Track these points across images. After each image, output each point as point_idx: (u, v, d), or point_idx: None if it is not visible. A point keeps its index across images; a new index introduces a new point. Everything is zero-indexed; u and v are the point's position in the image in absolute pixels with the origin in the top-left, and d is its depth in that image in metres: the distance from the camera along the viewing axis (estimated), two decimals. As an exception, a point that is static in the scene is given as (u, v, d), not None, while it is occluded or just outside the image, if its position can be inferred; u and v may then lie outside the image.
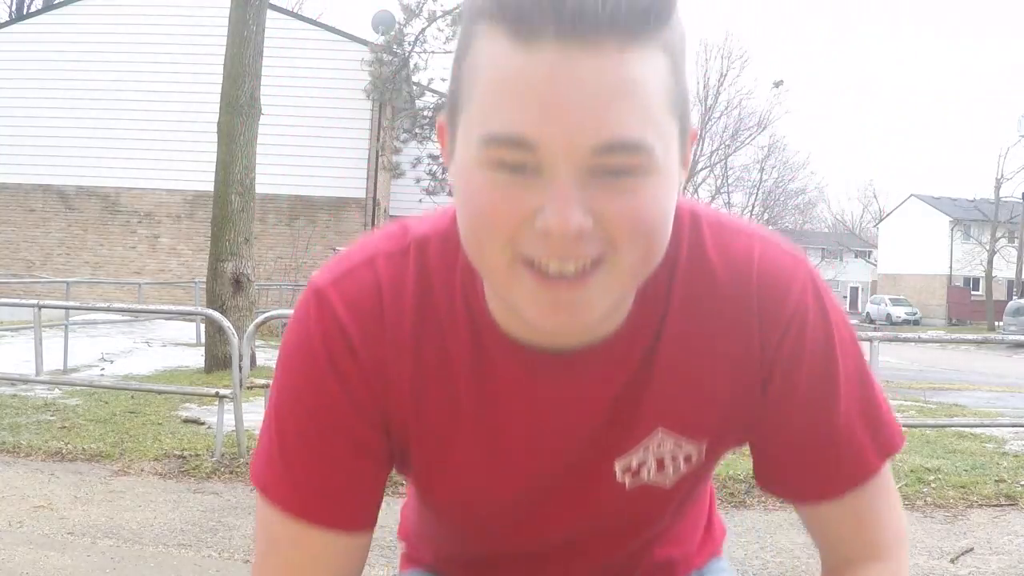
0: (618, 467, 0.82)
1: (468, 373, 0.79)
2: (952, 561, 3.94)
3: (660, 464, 0.82)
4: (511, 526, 0.88)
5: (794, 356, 0.78)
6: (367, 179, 20.29)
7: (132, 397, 7.32)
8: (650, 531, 0.92)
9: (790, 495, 0.86)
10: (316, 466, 0.79)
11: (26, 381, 6.97)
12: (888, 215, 57.81)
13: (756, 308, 0.77)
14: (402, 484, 4.93)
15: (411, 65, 19.81)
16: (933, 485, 5.20)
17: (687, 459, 0.82)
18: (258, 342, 11.24)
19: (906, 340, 7.50)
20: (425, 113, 21.23)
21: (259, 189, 10.10)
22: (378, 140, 20.28)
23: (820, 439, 0.81)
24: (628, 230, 0.64)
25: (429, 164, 20.86)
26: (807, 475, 0.83)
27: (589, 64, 0.60)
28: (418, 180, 20.93)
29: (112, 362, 10.33)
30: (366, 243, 0.83)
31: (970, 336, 17.92)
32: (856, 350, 0.82)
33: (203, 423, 6.35)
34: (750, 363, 0.78)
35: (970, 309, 47.02)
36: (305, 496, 0.80)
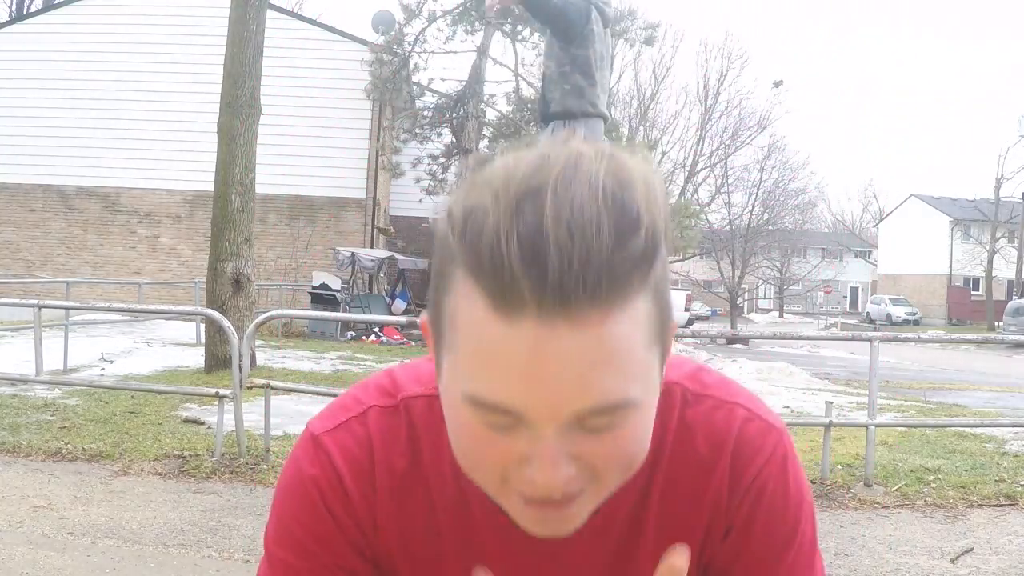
0: None
1: (455, 529, 0.84)
2: (952, 561, 3.94)
3: None
4: None
5: (750, 515, 0.82)
6: (367, 179, 20.29)
7: (132, 397, 7.32)
8: None
9: None
10: None
11: (26, 381, 6.96)
12: (888, 215, 57.79)
13: (728, 469, 0.82)
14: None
15: (411, 65, 19.82)
16: (933, 485, 5.20)
17: None
18: (258, 342, 11.24)
19: (906, 340, 7.50)
20: (425, 113, 21.23)
21: (259, 189, 10.11)
22: (378, 140, 20.28)
23: None
24: (612, 466, 0.68)
25: (429, 164, 20.87)
26: None
27: (571, 337, 0.60)
28: (418, 180, 20.93)
29: (112, 362, 10.33)
30: (360, 396, 0.87)
31: (970, 336, 17.94)
32: (812, 525, 0.87)
33: (203, 423, 6.35)
34: (718, 516, 0.83)
35: (970, 309, 47.01)
36: None
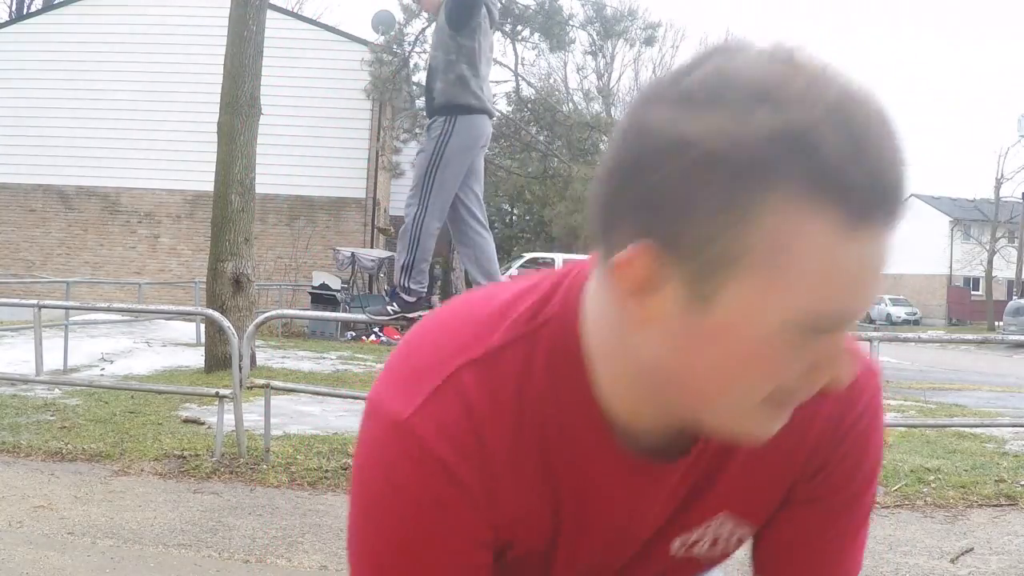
0: (677, 542, 0.84)
1: (569, 478, 0.77)
2: (952, 561, 3.94)
3: (715, 542, 0.85)
4: None
5: (839, 457, 0.82)
6: (367, 179, 20.29)
7: (132, 397, 7.32)
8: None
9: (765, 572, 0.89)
10: None
11: (26, 381, 6.96)
12: (888, 215, 57.70)
13: (827, 413, 0.80)
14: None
15: (411, 65, 19.84)
16: (933, 485, 5.20)
17: (739, 541, 0.86)
18: (258, 342, 11.24)
19: (906, 340, 7.49)
20: (425, 113, 21.25)
21: (259, 189, 10.11)
22: (378, 140, 20.28)
23: (832, 540, 0.85)
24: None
25: (429, 164, 20.85)
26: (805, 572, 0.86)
27: (887, 245, 0.62)
28: (418, 180, 20.92)
29: (112, 362, 10.33)
30: (440, 352, 0.75)
31: (970, 336, 17.88)
32: (877, 482, 0.87)
33: (203, 423, 6.35)
34: (811, 460, 0.82)
35: (970, 309, 46.98)
36: None
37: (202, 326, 11.80)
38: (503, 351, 0.73)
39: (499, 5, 5.10)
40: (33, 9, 29.23)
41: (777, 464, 0.80)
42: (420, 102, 21.58)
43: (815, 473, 0.82)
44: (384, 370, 0.78)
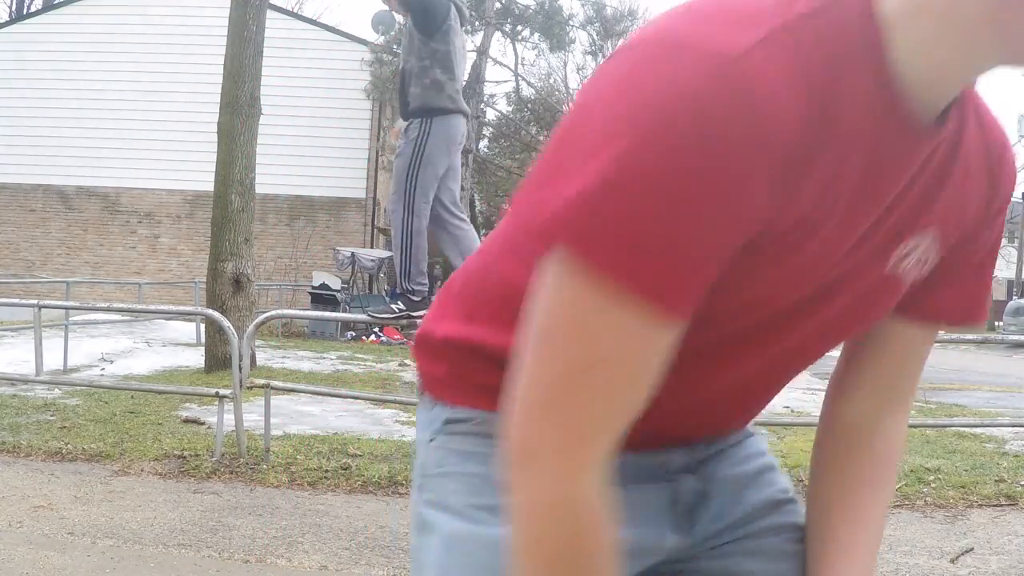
0: (902, 248, 0.81)
1: (864, 153, 0.69)
2: (952, 561, 3.94)
3: (916, 260, 0.85)
4: (770, 329, 0.81)
5: (1004, 208, 0.89)
6: (367, 179, 20.31)
7: (132, 397, 7.32)
8: (856, 336, 0.94)
9: (910, 312, 0.91)
10: (687, 262, 0.63)
11: (26, 381, 6.97)
12: (888, 215, 57.76)
13: (1004, 158, 0.86)
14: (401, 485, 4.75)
15: (411, 65, 19.83)
16: (933, 485, 5.20)
17: (926, 262, 0.85)
18: (258, 342, 11.24)
19: (906, 340, 7.46)
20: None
21: (259, 189, 10.11)
22: (378, 140, 20.29)
23: (980, 276, 0.91)
24: None
25: (429, 164, 20.85)
26: (949, 299, 0.91)
27: None
28: (418, 180, 20.92)
29: (112, 362, 10.33)
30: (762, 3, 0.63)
31: (970, 336, 17.91)
32: None
33: (203, 423, 6.35)
34: (993, 199, 0.87)
35: (970, 309, 47.06)
36: (671, 287, 0.64)
37: (202, 326, 11.80)
38: (823, 10, 0.65)
39: (466, 4, 5.14)
40: (33, 9, 29.23)
41: (972, 196, 0.84)
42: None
43: (993, 217, 0.87)
44: (676, 13, 0.64)
